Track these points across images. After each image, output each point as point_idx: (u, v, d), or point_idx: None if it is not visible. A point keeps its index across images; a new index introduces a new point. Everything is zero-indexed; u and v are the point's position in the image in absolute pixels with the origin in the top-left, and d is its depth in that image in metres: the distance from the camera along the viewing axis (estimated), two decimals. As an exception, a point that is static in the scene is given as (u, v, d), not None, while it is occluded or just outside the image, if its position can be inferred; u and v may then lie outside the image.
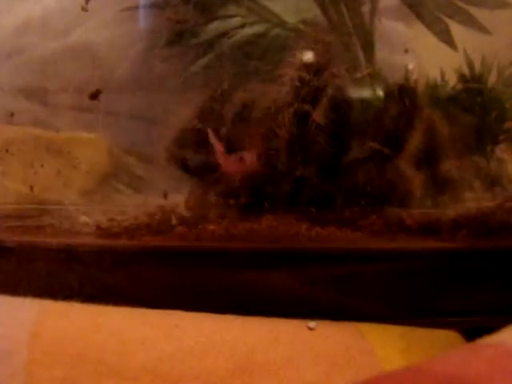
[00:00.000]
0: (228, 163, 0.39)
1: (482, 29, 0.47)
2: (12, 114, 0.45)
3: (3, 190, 0.44)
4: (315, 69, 0.38)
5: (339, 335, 0.32)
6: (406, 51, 0.47)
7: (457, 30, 0.47)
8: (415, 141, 0.39)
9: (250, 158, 0.38)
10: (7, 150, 0.44)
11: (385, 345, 0.32)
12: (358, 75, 0.42)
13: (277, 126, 0.37)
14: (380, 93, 0.41)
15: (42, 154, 0.45)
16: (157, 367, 0.29)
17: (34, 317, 0.30)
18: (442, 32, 0.47)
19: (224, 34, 0.48)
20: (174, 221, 0.37)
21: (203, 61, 0.47)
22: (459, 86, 0.49)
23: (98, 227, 0.37)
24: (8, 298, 0.33)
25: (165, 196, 0.40)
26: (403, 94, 0.39)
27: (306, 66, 0.38)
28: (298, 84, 0.37)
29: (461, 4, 0.47)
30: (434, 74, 0.49)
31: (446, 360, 0.24)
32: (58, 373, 0.28)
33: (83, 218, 0.37)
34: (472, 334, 0.32)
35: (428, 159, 0.40)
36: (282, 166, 0.37)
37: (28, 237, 0.38)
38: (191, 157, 0.41)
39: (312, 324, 0.33)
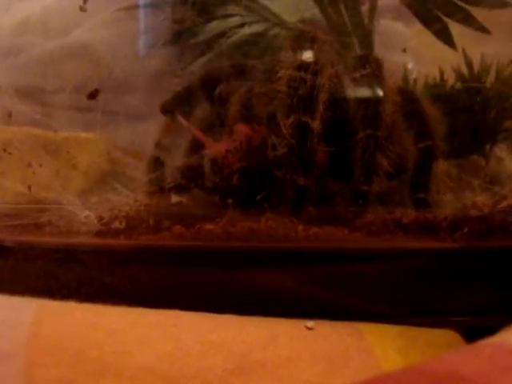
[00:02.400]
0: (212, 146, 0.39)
1: (481, 28, 0.47)
2: (10, 114, 0.45)
3: (1, 190, 0.44)
4: (313, 68, 0.38)
5: (338, 335, 0.32)
6: (405, 50, 0.47)
7: (456, 29, 0.47)
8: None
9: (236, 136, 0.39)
10: (5, 150, 0.44)
11: (383, 344, 0.32)
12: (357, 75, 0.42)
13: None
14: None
15: (41, 153, 0.45)
16: (155, 367, 0.29)
17: (33, 316, 0.30)
18: (441, 31, 0.47)
19: (223, 34, 0.48)
20: (174, 198, 0.37)
21: (202, 60, 0.47)
22: (458, 86, 0.49)
23: (100, 218, 0.37)
24: (6, 297, 0.33)
25: (162, 180, 0.40)
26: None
27: (304, 66, 0.38)
28: (295, 84, 0.37)
29: (460, 3, 0.47)
30: (432, 73, 0.49)
31: (445, 359, 0.24)
32: (56, 372, 0.28)
33: (85, 213, 0.37)
34: (471, 333, 0.32)
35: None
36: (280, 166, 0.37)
37: (26, 236, 0.38)
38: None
39: (310, 323, 0.33)
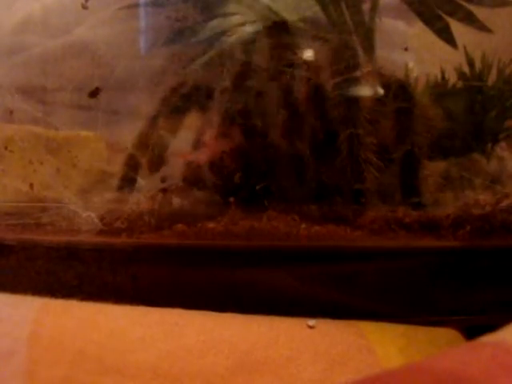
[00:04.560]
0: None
1: (482, 27, 0.47)
2: (11, 112, 0.45)
3: (3, 188, 0.44)
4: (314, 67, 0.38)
5: (339, 333, 0.32)
6: (406, 49, 0.47)
7: (457, 28, 0.47)
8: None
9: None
10: (6, 148, 0.44)
11: (385, 343, 0.32)
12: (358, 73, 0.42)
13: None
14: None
15: (42, 151, 0.45)
16: (157, 365, 0.29)
17: (34, 315, 0.30)
18: (442, 30, 0.47)
19: (224, 32, 0.48)
20: (175, 201, 0.37)
21: (203, 59, 0.47)
22: (459, 84, 0.49)
23: (102, 218, 0.37)
24: (8, 295, 0.33)
25: (163, 180, 0.40)
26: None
27: (306, 64, 0.38)
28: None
29: (461, 2, 0.47)
30: (434, 72, 0.49)
31: (445, 358, 0.24)
32: (57, 371, 0.28)
33: (87, 212, 0.37)
34: (471, 332, 0.32)
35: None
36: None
37: (28, 235, 0.38)
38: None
39: (312, 322, 0.33)
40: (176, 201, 0.39)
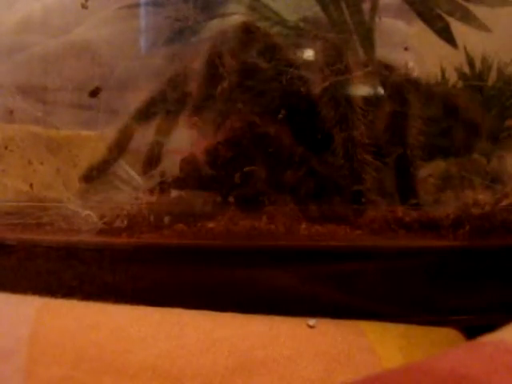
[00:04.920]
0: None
1: (482, 26, 0.47)
2: (11, 112, 0.45)
3: (3, 188, 0.44)
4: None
5: (339, 333, 0.32)
6: (407, 49, 0.47)
7: (457, 27, 0.47)
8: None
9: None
10: (6, 148, 0.44)
11: (385, 343, 0.32)
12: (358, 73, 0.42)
13: None
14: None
15: (42, 151, 0.45)
16: (156, 365, 0.29)
17: (34, 314, 0.30)
18: (443, 30, 0.47)
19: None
20: (173, 193, 0.37)
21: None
22: (460, 84, 0.49)
23: (102, 217, 0.37)
24: (8, 295, 0.33)
25: (162, 175, 0.40)
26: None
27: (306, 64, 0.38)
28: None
29: (461, 1, 0.47)
30: (434, 71, 0.49)
31: (446, 358, 0.24)
32: (57, 370, 0.28)
33: (86, 212, 0.37)
34: (472, 332, 0.32)
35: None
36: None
37: (28, 234, 0.38)
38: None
39: (312, 322, 0.33)
40: (174, 194, 0.40)
